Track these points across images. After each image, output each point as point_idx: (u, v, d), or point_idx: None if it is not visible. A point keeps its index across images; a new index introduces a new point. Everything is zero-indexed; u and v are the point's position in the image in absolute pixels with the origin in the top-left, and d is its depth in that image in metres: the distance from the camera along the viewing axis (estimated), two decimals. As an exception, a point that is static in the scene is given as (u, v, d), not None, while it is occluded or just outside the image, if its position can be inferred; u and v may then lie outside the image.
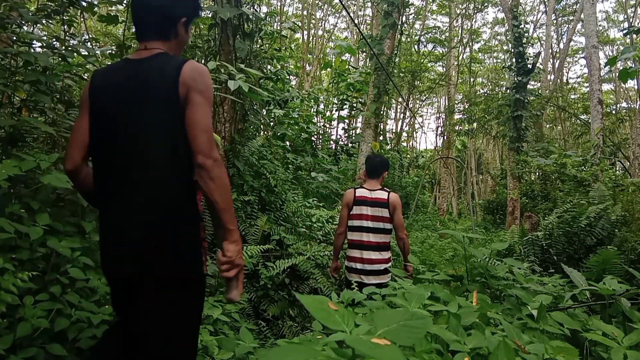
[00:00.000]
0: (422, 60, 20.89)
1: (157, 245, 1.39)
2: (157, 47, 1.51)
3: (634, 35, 15.11)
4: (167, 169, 1.41)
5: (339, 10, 25.31)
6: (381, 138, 14.34)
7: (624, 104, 24.50)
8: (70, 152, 1.53)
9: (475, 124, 18.92)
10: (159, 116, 1.40)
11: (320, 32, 27.22)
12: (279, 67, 9.39)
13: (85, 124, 1.51)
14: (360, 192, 3.45)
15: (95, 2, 3.50)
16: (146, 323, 1.40)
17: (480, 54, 28.11)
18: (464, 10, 22.84)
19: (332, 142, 14.85)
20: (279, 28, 9.14)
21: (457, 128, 21.75)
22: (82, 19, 4.40)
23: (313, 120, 12.80)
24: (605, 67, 14.06)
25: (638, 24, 21.56)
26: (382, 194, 3.41)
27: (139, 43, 1.54)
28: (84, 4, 3.32)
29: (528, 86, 12.45)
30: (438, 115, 30.12)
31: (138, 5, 1.53)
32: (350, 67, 15.75)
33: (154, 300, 1.40)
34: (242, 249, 1.48)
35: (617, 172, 12.58)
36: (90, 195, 1.61)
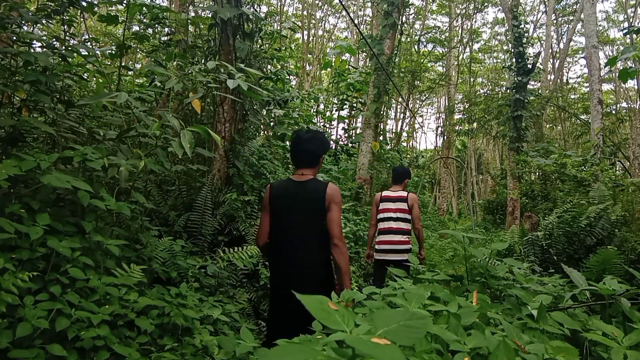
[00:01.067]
0: (422, 60, 20.89)
1: (314, 288, 2.41)
2: (308, 174, 2.57)
3: (634, 35, 15.11)
4: (317, 243, 2.49)
5: (339, 10, 25.32)
6: (381, 138, 14.33)
7: (624, 104, 24.51)
8: (260, 234, 2.61)
9: (475, 124, 18.92)
10: (316, 215, 2.47)
11: (320, 32, 27.24)
12: (279, 67, 9.38)
13: (267, 219, 2.58)
14: (385, 193, 4.65)
15: (95, 2, 3.50)
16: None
17: (480, 54, 28.12)
18: (464, 10, 22.84)
19: (332, 142, 14.85)
20: (279, 28, 9.14)
21: (457, 128, 21.75)
22: (82, 19, 4.40)
23: (313, 120, 12.80)
24: (605, 67, 14.07)
25: (638, 24, 21.56)
26: (402, 193, 4.57)
27: (297, 169, 2.63)
28: (84, 4, 3.32)
29: (528, 86, 12.45)
30: (438, 115, 30.15)
31: (297, 148, 2.60)
32: (350, 67, 15.75)
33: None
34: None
35: (617, 172, 12.58)
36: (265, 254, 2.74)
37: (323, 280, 2.49)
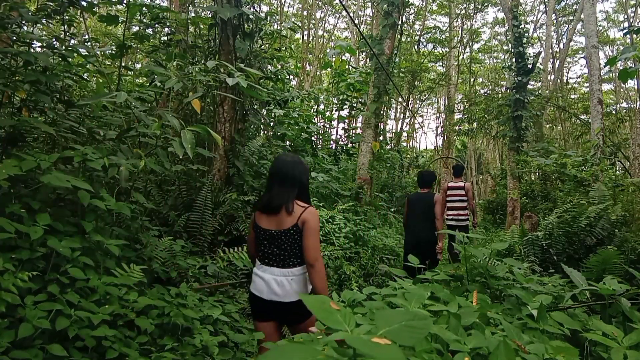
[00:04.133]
0: (422, 60, 20.88)
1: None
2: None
3: (634, 35, 15.11)
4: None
5: (339, 10, 25.31)
6: (381, 138, 14.33)
7: (624, 104, 24.51)
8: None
9: (475, 124, 18.91)
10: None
11: (320, 32, 27.23)
12: (279, 67, 9.38)
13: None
14: (450, 184, 6.86)
15: (95, 2, 3.50)
16: None
17: (480, 54, 28.10)
18: (464, 11, 22.83)
19: (332, 142, 14.85)
20: (279, 28, 9.14)
21: (457, 128, 21.74)
22: (82, 19, 4.40)
23: (313, 120, 12.79)
24: (605, 67, 14.05)
25: (638, 24, 21.56)
26: (460, 184, 6.80)
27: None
28: (84, 4, 3.32)
29: (528, 86, 12.43)
30: (438, 115, 30.13)
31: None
32: (350, 67, 15.75)
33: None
34: None
35: (617, 172, 12.56)
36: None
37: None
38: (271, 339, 2.32)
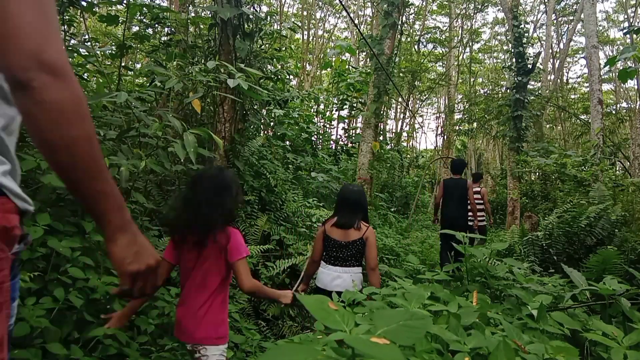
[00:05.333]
0: (422, 60, 20.87)
1: None
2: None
3: (634, 35, 15.11)
4: None
5: (339, 10, 25.30)
6: (381, 138, 14.33)
7: (624, 104, 24.50)
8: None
9: (475, 124, 18.90)
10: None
11: (320, 32, 27.23)
12: (279, 67, 9.37)
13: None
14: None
15: (95, 2, 3.50)
16: None
17: (480, 54, 28.09)
18: (464, 11, 22.82)
19: (332, 142, 14.85)
20: (279, 28, 9.13)
21: (457, 128, 21.72)
22: (82, 19, 4.40)
23: (313, 120, 12.79)
24: (605, 67, 14.04)
25: (638, 24, 21.55)
26: (477, 189, 7.60)
27: (455, 174, 6.05)
28: (84, 4, 3.32)
29: (528, 86, 12.42)
30: (438, 115, 30.12)
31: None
32: (350, 67, 15.75)
33: None
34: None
35: (617, 172, 12.55)
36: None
37: None
38: None
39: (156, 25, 5.85)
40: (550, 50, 23.66)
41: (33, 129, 0.74)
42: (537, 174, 13.26)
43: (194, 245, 1.91)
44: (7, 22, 0.68)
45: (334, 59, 13.79)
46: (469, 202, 5.96)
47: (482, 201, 7.52)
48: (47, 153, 0.77)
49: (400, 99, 20.18)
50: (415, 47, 21.43)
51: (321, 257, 3.04)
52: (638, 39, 16.96)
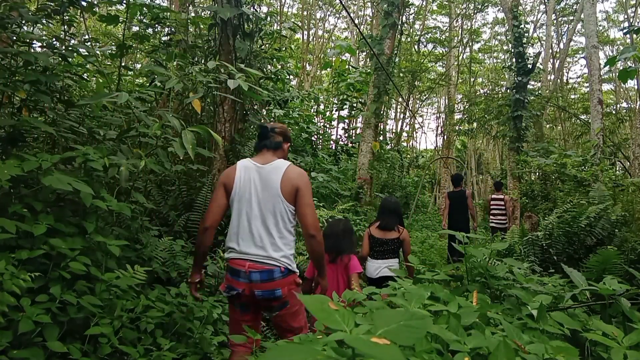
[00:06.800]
0: (422, 60, 20.87)
1: None
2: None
3: (634, 35, 15.11)
4: None
5: (339, 10, 25.29)
6: (381, 138, 14.33)
7: (624, 104, 24.50)
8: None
9: (475, 124, 18.89)
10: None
11: (320, 32, 27.23)
12: (279, 67, 9.38)
13: None
14: (493, 196, 8.87)
15: (95, 2, 3.50)
16: None
17: (480, 54, 28.07)
18: (464, 11, 22.82)
19: (332, 142, 14.85)
20: (279, 28, 9.14)
21: (457, 128, 21.72)
22: (82, 19, 4.40)
23: (313, 120, 12.79)
24: (605, 67, 14.05)
25: (638, 24, 21.55)
26: (500, 196, 8.79)
27: (455, 187, 7.37)
28: (84, 4, 3.32)
29: (528, 86, 12.42)
30: (438, 115, 30.11)
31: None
32: (350, 67, 15.74)
33: None
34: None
35: (617, 172, 12.55)
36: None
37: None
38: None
39: (156, 25, 5.85)
40: (550, 50, 23.66)
41: (311, 250, 2.40)
42: (537, 174, 13.26)
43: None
44: (306, 217, 2.35)
45: (334, 59, 13.80)
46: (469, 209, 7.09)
47: (504, 207, 8.46)
48: (311, 252, 2.42)
49: (400, 99, 20.18)
50: (415, 47, 21.44)
51: (369, 253, 3.98)
52: (638, 39, 16.97)
